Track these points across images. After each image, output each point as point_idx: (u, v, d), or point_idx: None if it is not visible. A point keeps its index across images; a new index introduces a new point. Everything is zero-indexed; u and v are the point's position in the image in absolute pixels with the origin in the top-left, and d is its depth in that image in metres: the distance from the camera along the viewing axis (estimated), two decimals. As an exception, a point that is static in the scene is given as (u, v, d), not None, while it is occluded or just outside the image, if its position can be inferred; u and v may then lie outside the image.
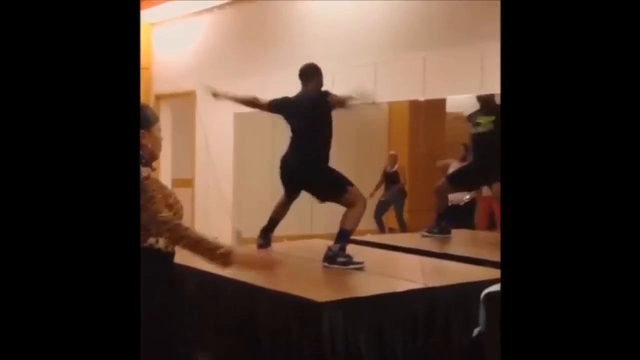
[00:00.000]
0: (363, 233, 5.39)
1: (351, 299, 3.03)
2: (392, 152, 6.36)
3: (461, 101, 4.99)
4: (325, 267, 3.69)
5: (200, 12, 7.19)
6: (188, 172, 7.42)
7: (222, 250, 2.17)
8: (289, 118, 3.98)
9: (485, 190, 5.11)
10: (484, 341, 2.36)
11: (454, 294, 3.19)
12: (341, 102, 3.80)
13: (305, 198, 4.10)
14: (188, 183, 7.41)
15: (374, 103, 3.99)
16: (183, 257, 2.34)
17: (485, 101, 4.58)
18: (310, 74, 4.00)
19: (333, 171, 3.86)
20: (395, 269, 4.02)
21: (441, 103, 5.26)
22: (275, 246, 4.22)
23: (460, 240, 5.00)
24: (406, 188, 6.22)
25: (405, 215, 6.18)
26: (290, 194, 4.06)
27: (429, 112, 5.62)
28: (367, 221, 6.17)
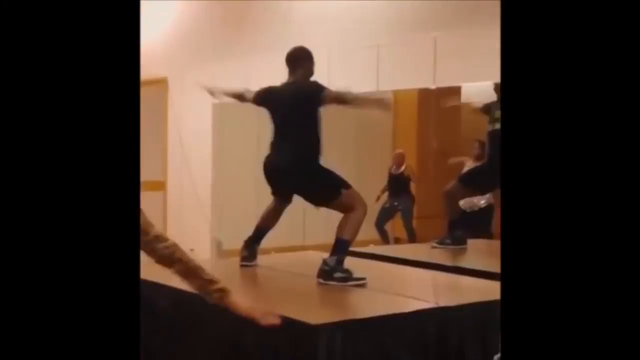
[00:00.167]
0: (365, 244, 5.41)
1: (351, 321, 3.04)
2: (399, 150, 6.38)
3: (479, 90, 5.01)
4: (320, 283, 3.71)
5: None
6: (159, 174, 7.43)
7: (219, 286, 2.26)
8: (272, 111, 3.99)
9: None
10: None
11: (470, 315, 3.20)
12: (340, 99, 3.79)
13: (296, 203, 4.11)
14: (159, 186, 7.42)
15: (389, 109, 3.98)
16: (153, 271, 2.35)
17: None
18: (299, 59, 4.00)
19: (325, 171, 3.86)
20: (402, 285, 4.04)
21: (455, 92, 5.28)
22: (262, 259, 4.23)
23: (476, 252, 5.03)
24: (414, 192, 6.24)
25: (414, 223, 6.20)
26: (281, 200, 4.07)
27: (441, 102, 5.64)
28: (370, 230, 6.21)
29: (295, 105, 3.86)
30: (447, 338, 3.12)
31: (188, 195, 7.09)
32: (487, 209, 5.49)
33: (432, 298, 3.47)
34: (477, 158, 5.33)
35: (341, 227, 3.74)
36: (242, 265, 4.09)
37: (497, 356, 2.44)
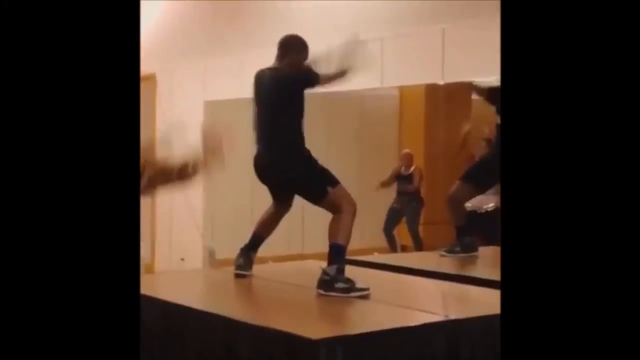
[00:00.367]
0: (369, 252, 5.41)
1: (354, 335, 3.04)
2: (407, 150, 6.38)
3: (491, 85, 5.01)
4: (320, 294, 3.70)
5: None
6: (147, 176, 7.43)
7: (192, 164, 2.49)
8: (256, 101, 3.98)
9: None
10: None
11: (481, 328, 3.20)
12: (331, 77, 3.80)
13: (295, 209, 4.11)
14: (147, 190, 7.42)
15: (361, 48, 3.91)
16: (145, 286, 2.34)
17: None
18: (288, 48, 3.98)
19: (312, 164, 3.85)
20: (409, 296, 4.04)
21: (465, 88, 5.28)
22: (259, 269, 4.22)
23: (488, 260, 5.01)
24: (422, 194, 6.24)
25: (420, 230, 6.20)
26: (280, 204, 4.07)
27: (449, 98, 5.64)
28: (374, 238, 6.21)
29: (274, 93, 3.86)
30: (458, 353, 3.12)
31: (178, 199, 7.09)
32: (497, 213, 5.49)
33: (441, 310, 3.47)
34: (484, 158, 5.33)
35: (332, 231, 3.71)
36: (236, 275, 4.08)
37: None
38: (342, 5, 5.55)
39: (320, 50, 3.80)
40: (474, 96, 5.35)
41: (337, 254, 3.68)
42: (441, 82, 5.04)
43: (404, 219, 6.34)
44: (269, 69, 3.97)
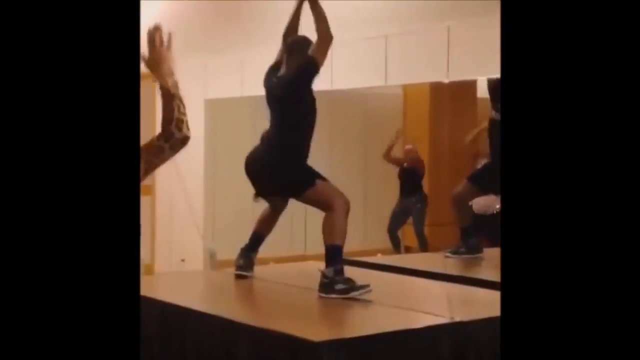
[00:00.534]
0: (372, 253, 5.41)
1: (356, 338, 3.04)
2: (409, 146, 6.37)
3: (497, 84, 5.01)
4: (322, 297, 3.70)
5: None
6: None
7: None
8: (267, 102, 4.00)
9: None
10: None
11: (488, 330, 3.20)
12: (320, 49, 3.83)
13: (297, 209, 4.11)
14: (147, 190, 7.43)
15: None
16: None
17: None
18: (293, 51, 3.99)
19: (301, 160, 3.85)
20: (413, 298, 4.04)
21: (471, 86, 5.29)
22: (260, 270, 4.23)
23: (493, 262, 5.02)
24: (425, 190, 6.22)
25: (426, 231, 6.20)
26: (271, 203, 4.08)
27: (455, 97, 5.64)
28: (377, 237, 6.21)
29: (283, 92, 3.88)
30: (463, 356, 3.13)
31: (178, 200, 7.10)
32: None
33: (446, 312, 3.47)
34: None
35: (326, 232, 3.70)
36: (237, 275, 4.09)
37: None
38: (346, 3, 5.56)
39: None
40: (480, 94, 5.34)
41: (333, 255, 3.67)
42: (446, 81, 5.05)
43: (408, 220, 6.33)
44: (277, 77, 3.97)
